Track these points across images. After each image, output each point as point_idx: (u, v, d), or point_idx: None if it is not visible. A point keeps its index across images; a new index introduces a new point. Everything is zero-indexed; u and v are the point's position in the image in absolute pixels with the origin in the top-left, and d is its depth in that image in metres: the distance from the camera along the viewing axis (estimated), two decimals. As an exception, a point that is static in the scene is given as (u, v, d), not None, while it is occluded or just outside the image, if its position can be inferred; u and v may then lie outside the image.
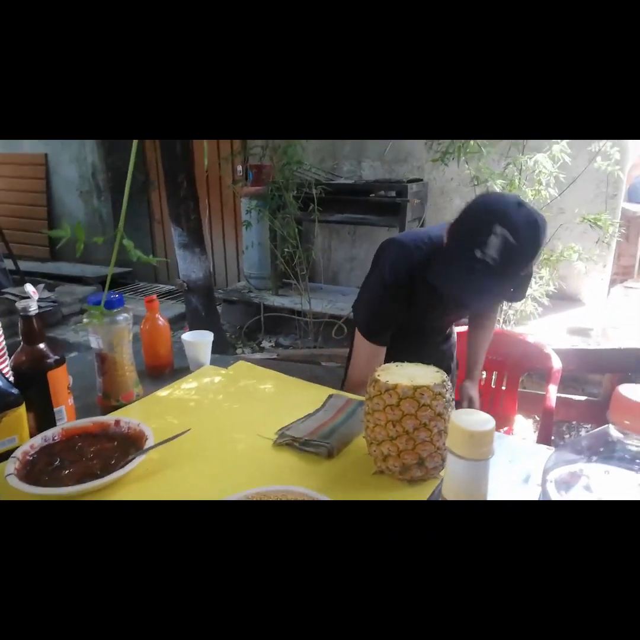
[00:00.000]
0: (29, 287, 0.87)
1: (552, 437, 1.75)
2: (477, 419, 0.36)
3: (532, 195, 2.32)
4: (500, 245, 0.86)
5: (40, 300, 3.52)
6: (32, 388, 0.86)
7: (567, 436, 2.42)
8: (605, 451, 0.35)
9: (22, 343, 0.86)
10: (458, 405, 1.10)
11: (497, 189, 2.31)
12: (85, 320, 0.79)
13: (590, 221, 2.21)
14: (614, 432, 0.36)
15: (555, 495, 0.36)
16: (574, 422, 2.49)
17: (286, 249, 2.99)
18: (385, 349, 1.11)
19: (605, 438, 0.35)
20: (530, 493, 0.75)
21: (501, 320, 2.49)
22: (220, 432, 0.90)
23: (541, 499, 0.37)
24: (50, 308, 3.38)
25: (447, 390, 0.74)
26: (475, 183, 2.36)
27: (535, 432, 2.33)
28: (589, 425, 2.43)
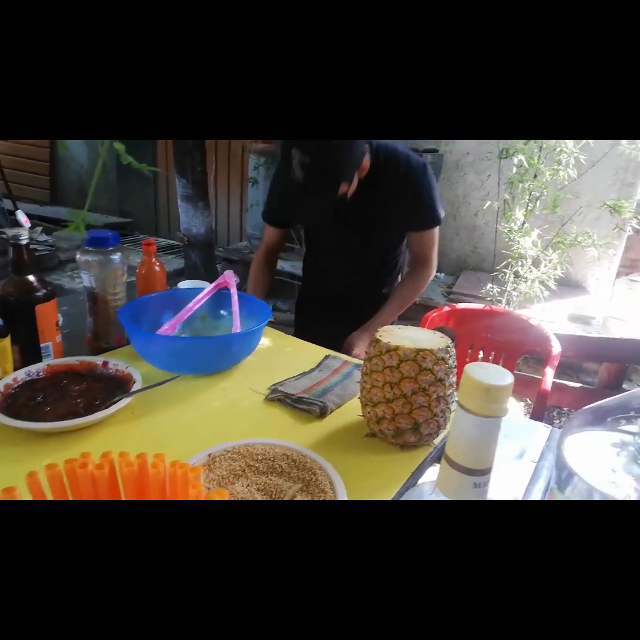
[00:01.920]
0: (20, 214, 0.82)
1: (543, 421, 1.74)
2: (492, 372, 0.32)
3: (549, 175, 2.25)
4: (300, 166, 0.96)
5: (37, 242, 3.45)
6: (19, 320, 0.82)
7: (557, 422, 2.43)
8: (632, 416, 0.32)
9: (10, 273, 0.82)
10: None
11: (516, 164, 2.24)
12: (65, 230, 0.74)
13: (610, 207, 2.15)
14: (641, 398, 0.33)
15: (572, 461, 0.33)
16: (565, 409, 2.50)
17: (292, 211, 2.91)
18: (278, 230, 1.28)
19: (632, 403, 0.32)
20: (525, 468, 0.74)
21: (504, 301, 2.45)
22: (210, 382, 0.88)
23: (555, 467, 0.35)
24: (47, 252, 3.31)
25: (450, 356, 0.71)
26: (504, 156, 2.28)
27: (525, 415, 2.33)
28: (580, 413, 2.43)
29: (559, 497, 0.33)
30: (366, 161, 1.06)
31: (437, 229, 1.19)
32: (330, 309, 1.34)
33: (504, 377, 0.32)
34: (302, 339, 1.10)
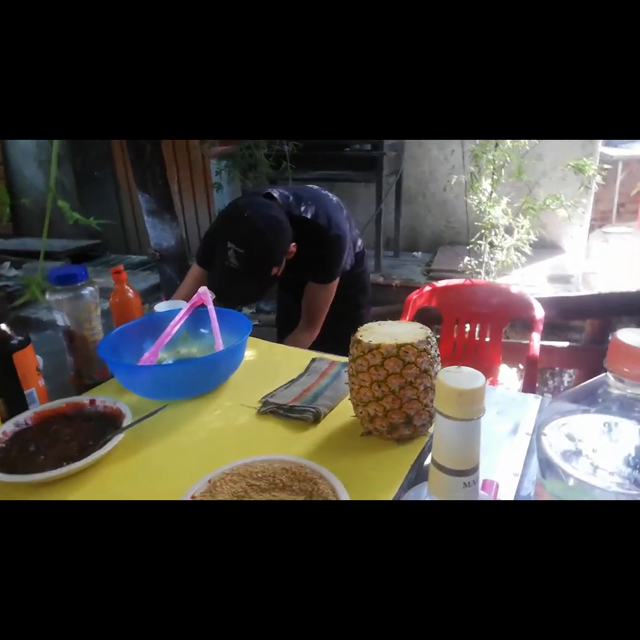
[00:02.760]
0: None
1: (537, 385, 1.77)
2: (465, 376, 0.33)
3: (510, 143, 2.26)
4: (235, 255, 1.10)
5: (7, 278, 3.39)
6: (-2, 372, 0.81)
7: (550, 382, 2.47)
8: (603, 401, 0.33)
9: (-19, 325, 0.81)
10: None
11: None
12: (21, 299, 0.74)
13: (574, 167, 2.17)
14: (612, 380, 0.33)
15: (550, 449, 0.34)
16: (556, 369, 2.54)
17: (261, 211, 2.89)
18: (200, 269, 1.34)
19: (602, 387, 0.33)
20: (520, 442, 0.75)
21: (483, 272, 2.48)
22: (201, 404, 0.88)
23: (537, 456, 0.35)
24: (19, 286, 3.25)
25: (431, 346, 0.72)
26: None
27: (519, 380, 2.37)
28: (572, 371, 2.48)
29: (545, 485, 0.34)
30: (293, 247, 1.20)
31: (330, 288, 1.31)
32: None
33: (476, 379, 0.33)
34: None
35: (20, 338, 0.83)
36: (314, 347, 1.18)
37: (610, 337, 0.33)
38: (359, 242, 1.43)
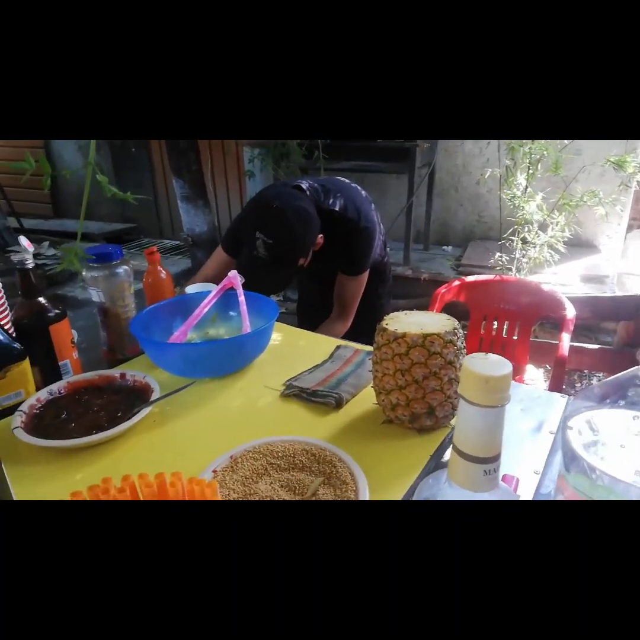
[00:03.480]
0: (23, 240, 0.84)
1: (563, 387, 1.73)
2: (492, 363, 0.33)
3: (549, 135, 2.19)
4: (264, 246, 1.12)
5: (46, 257, 3.50)
6: (35, 342, 0.84)
7: (578, 385, 2.41)
8: (634, 395, 0.32)
9: (20, 298, 0.85)
10: None
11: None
12: (58, 267, 0.76)
13: (613, 163, 2.09)
14: (643, 374, 0.33)
15: (576, 442, 0.34)
16: (585, 371, 2.48)
17: (292, 200, 2.90)
18: (229, 259, 1.34)
19: (634, 381, 0.32)
20: (543, 441, 0.74)
21: (514, 269, 2.43)
22: (227, 383, 0.89)
23: (561, 449, 0.35)
24: (56, 265, 3.35)
25: (458, 337, 0.71)
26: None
27: (546, 381, 2.32)
28: (602, 374, 2.42)
29: (567, 478, 0.34)
30: (320, 239, 1.21)
31: (360, 280, 1.33)
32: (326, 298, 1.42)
33: (502, 366, 0.33)
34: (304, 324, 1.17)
35: (57, 311, 0.86)
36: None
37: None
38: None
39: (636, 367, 0.33)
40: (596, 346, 2.19)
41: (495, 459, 0.35)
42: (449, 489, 0.37)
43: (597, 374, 2.50)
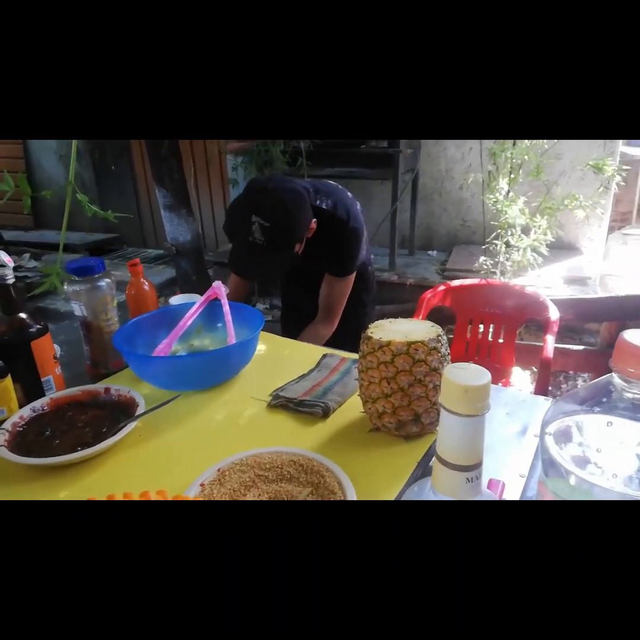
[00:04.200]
0: (2, 255, 0.82)
1: (550, 388, 1.75)
2: (471, 373, 0.33)
3: (528, 141, 2.23)
4: (260, 229, 1.10)
5: (26, 269, 3.46)
6: (17, 359, 0.83)
7: (564, 386, 2.44)
8: (608, 401, 0.33)
9: (0, 314, 0.83)
10: None
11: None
12: (39, 288, 0.76)
13: (593, 167, 2.13)
14: (617, 380, 0.33)
15: (554, 448, 0.34)
16: (571, 372, 2.51)
17: (276, 207, 2.91)
18: (240, 280, 1.36)
19: (608, 387, 0.33)
20: (529, 444, 0.75)
21: (498, 272, 2.46)
22: (213, 395, 0.89)
23: (540, 455, 0.36)
24: (37, 277, 3.31)
25: (442, 344, 0.72)
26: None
27: (532, 383, 2.34)
28: (587, 375, 2.45)
29: (547, 483, 0.34)
30: (314, 223, 1.20)
31: (347, 281, 1.32)
32: (308, 301, 1.42)
33: (481, 376, 0.33)
34: (287, 330, 1.17)
35: (38, 326, 0.85)
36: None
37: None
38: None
39: (610, 373, 0.34)
40: (580, 347, 2.22)
41: (476, 466, 0.35)
42: (434, 497, 0.38)
43: (582, 375, 2.53)
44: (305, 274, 1.37)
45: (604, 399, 0.33)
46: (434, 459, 0.37)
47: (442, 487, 0.36)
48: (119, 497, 0.41)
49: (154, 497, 0.40)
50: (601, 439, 0.34)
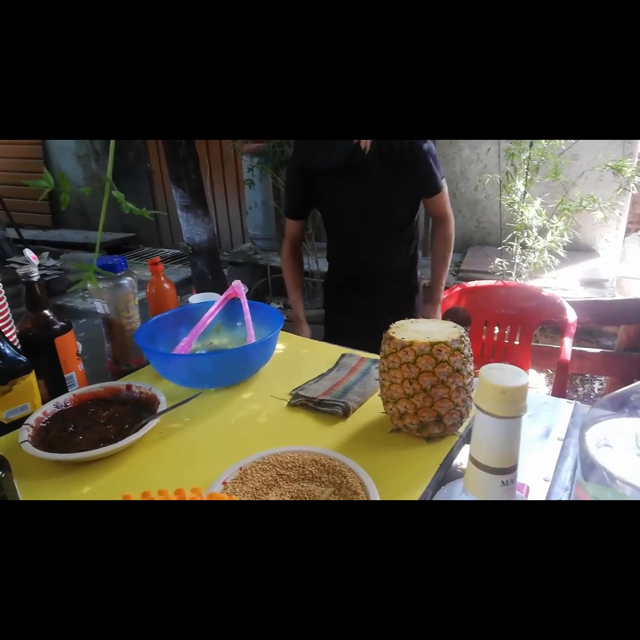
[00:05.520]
0: (28, 252, 0.84)
1: (566, 391, 1.73)
2: (508, 374, 0.33)
3: (545, 141, 2.21)
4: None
5: (45, 268, 3.50)
6: (40, 355, 0.84)
7: (580, 389, 2.41)
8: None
9: (26, 310, 0.85)
10: None
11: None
12: (75, 285, 0.77)
13: (612, 168, 2.10)
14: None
15: (596, 451, 0.34)
16: (587, 375, 2.48)
17: (291, 208, 2.91)
18: (297, 222, 1.46)
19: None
20: (552, 447, 0.74)
21: (514, 274, 2.43)
22: (233, 394, 0.89)
23: (579, 458, 0.35)
24: (56, 276, 3.35)
25: (465, 345, 0.72)
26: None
27: (548, 386, 2.32)
28: (603, 378, 2.42)
29: (585, 487, 0.34)
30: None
31: (444, 190, 1.35)
32: (359, 302, 1.43)
33: (519, 377, 0.33)
34: (332, 337, 1.20)
35: (62, 323, 0.86)
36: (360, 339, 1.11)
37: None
38: None
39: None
40: (597, 350, 2.19)
41: (512, 469, 0.35)
42: (466, 499, 0.37)
43: (599, 378, 2.50)
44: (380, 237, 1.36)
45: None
46: (467, 460, 0.37)
47: (476, 490, 0.36)
48: (153, 494, 0.41)
49: (189, 495, 0.40)
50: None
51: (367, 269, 1.40)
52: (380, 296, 1.41)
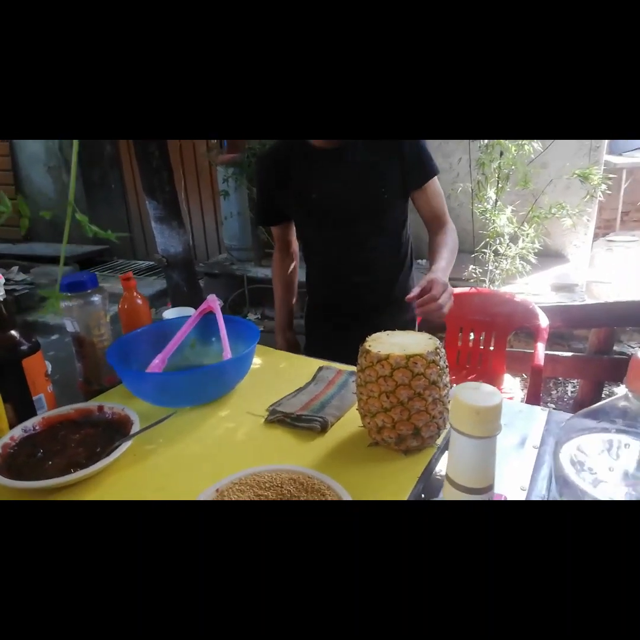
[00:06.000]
0: (-7, 271, 0.81)
1: (541, 395, 1.76)
2: (482, 393, 0.33)
3: (514, 150, 2.26)
4: None
5: (15, 282, 3.40)
6: (7, 377, 0.81)
7: (554, 392, 2.46)
8: (624, 420, 0.33)
9: (-9, 331, 0.81)
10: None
11: (481, 144, 2.26)
12: (42, 311, 0.75)
13: (580, 176, 2.17)
14: (632, 399, 0.33)
15: (569, 469, 0.34)
16: (560, 378, 2.53)
17: (267, 218, 2.91)
18: (278, 227, 1.34)
19: (623, 408, 0.33)
20: (528, 456, 0.75)
21: (487, 280, 2.48)
22: (209, 412, 0.88)
23: (553, 475, 0.35)
24: (26, 290, 3.26)
25: (440, 357, 0.72)
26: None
27: (523, 390, 2.36)
28: (576, 381, 2.47)
29: (561, 504, 0.34)
30: None
31: (436, 183, 1.20)
32: (342, 324, 1.26)
33: (493, 396, 0.33)
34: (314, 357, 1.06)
35: (30, 344, 0.83)
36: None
37: (630, 353, 0.33)
38: None
39: (622, 394, 0.34)
40: (569, 354, 2.24)
41: (488, 489, 0.35)
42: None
43: (571, 381, 2.56)
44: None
45: (620, 418, 0.33)
46: (444, 481, 0.36)
47: (453, 509, 0.36)
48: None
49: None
50: (612, 458, 0.34)
51: (352, 289, 1.23)
52: (364, 328, 1.18)
